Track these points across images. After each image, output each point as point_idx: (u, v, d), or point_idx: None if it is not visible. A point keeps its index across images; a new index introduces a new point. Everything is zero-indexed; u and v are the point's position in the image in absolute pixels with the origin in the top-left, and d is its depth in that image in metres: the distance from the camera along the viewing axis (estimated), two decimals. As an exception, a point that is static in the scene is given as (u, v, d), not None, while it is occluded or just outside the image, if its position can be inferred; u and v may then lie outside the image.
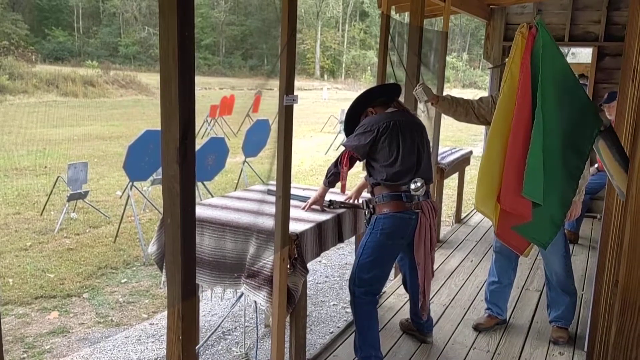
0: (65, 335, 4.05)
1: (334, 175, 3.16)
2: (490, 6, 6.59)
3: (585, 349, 3.29)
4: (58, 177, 7.10)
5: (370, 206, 3.09)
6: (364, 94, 3.23)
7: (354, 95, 3.34)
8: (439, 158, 5.44)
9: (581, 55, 9.96)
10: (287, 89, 2.48)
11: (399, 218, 2.98)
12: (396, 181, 2.97)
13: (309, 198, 3.39)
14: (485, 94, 5.94)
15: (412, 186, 2.97)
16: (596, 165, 5.33)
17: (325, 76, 45.38)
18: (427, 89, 3.70)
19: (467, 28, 45.31)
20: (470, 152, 6.46)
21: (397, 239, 3.02)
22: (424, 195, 3.03)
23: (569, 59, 10.44)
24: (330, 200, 3.38)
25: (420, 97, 3.63)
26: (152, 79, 25.67)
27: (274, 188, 2.63)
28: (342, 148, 3.11)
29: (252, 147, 8.31)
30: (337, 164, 3.13)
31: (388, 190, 2.99)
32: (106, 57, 36.17)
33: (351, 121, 3.23)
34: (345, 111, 3.30)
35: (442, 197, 5.84)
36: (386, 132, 2.95)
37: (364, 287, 3.03)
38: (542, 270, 3.69)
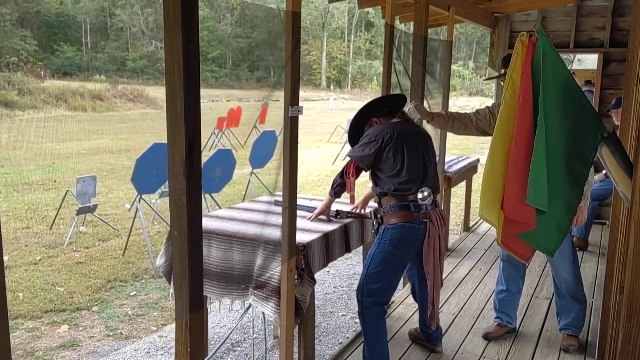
0: (75, 349, 4.06)
1: (340, 186, 3.16)
2: (495, 14, 6.61)
3: (596, 357, 3.27)
4: (67, 191, 7.15)
5: (378, 216, 3.09)
6: (369, 104, 3.24)
7: (360, 105, 3.35)
8: (446, 167, 5.43)
9: (587, 62, 9.95)
10: (292, 100, 2.49)
11: (407, 228, 2.98)
12: (403, 191, 2.96)
13: (316, 208, 3.40)
14: (491, 101, 5.94)
15: (420, 195, 2.97)
16: (604, 171, 5.31)
17: (332, 86, 45.48)
18: (420, 107, 3.72)
19: (473, 36, 45.34)
20: (477, 160, 6.46)
21: (405, 249, 3.01)
22: (431, 204, 3.02)
23: (575, 66, 10.43)
24: (337, 211, 3.38)
25: (413, 116, 3.61)
26: (159, 93, 25.80)
27: (280, 199, 2.64)
28: (349, 158, 3.12)
29: (259, 158, 8.33)
30: (342, 174, 3.13)
31: (395, 200, 2.99)
32: (114, 71, 36.44)
33: (355, 131, 3.24)
34: (349, 121, 3.32)
35: (450, 205, 5.83)
36: (391, 142, 2.95)
37: (372, 298, 3.03)
38: (551, 278, 3.67)
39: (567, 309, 3.52)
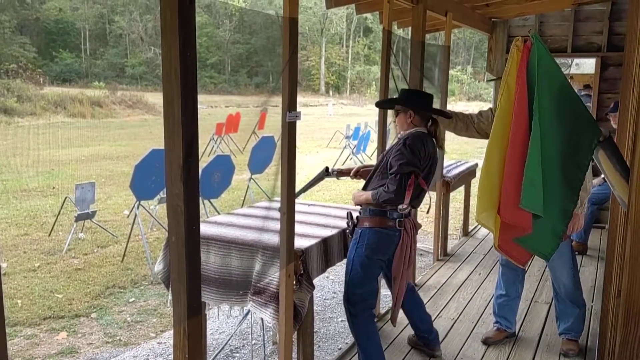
0: (74, 356, 4.05)
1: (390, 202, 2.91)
2: (492, 19, 6.63)
3: (596, 361, 3.26)
4: (66, 197, 7.14)
5: (354, 217, 3.08)
6: (419, 96, 3.19)
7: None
8: (444, 171, 5.44)
9: (585, 66, 9.96)
10: (290, 106, 2.50)
11: (384, 234, 2.99)
12: (392, 204, 2.95)
13: (314, 214, 3.40)
14: (490, 106, 5.96)
15: (400, 206, 2.96)
16: (602, 175, 5.31)
17: (331, 92, 45.55)
18: None
19: (471, 41, 45.45)
20: (476, 165, 6.45)
21: (381, 254, 3.03)
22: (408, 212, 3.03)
23: (573, 70, 10.44)
24: (326, 168, 3.39)
25: None
26: (158, 99, 25.70)
27: (279, 204, 2.64)
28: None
29: (258, 163, 8.33)
30: (399, 194, 2.85)
31: (376, 205, 2.98)
32: (113, 77, 36.47)
33: (388, 102, 3.33)
34: (401, 92, 3.32)
35: (449, 210, 5.83)
36: (423, 164, 2.94)
37: (360, 303, 3.03)
38: (550, 282, 3.67)
39: (566, 313, 3.51)
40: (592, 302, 4.33)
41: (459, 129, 3.70)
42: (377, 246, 2.98)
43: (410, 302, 3.33)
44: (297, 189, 2.75)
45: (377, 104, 3.45)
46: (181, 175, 1.91)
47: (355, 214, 3.11)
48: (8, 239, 6.85)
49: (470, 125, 3.65)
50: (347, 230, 3.16)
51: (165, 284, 3.22)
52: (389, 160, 2.96)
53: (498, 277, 3.70)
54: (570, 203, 2.10)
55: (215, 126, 14.40)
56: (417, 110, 3.06)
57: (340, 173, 3.42)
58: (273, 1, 43.32)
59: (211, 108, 27.48)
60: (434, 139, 3.08)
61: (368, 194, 2.98)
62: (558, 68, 2.08)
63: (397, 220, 2.97)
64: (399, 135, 3.13)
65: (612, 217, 2.77)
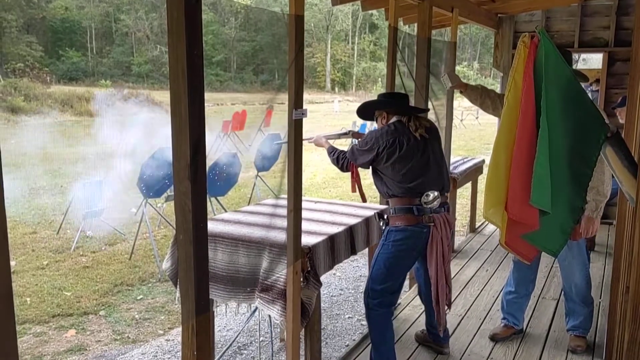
0: (83, 353, 4.07)
1: (338, 161, 3.33)
2: (499, 15, 6.60)
3: (604, 357, 3.25)
4: (74, 195, 7.17)
5: (385, 217, 3.11)
6: (398, 96, 3.27)
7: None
8: (451, 168, 5.43)
9: (592, 61, 9.91)
10: (296, 103, 2.50)
11: (410, 231, 2.99)
12: (406, 196, 2.97)
13: (316, 211, 3.41)
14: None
15: (425, 199, 2.97)
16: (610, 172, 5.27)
17: (336, 89, 45.54)
18: (453, 74, 3.72)
19: (477, 37, 45.31)
20: (483, 161, 6.44)
21: (408, 251, 3.03)
22: (440, 207, 3.02)
23: (580, 65, 10.38)
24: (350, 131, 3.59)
25: (446, 83, 3.66)
26: (165, 97, 25.78)
27: (285, 202, 2.65)
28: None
29: (264, 161, 8.35)
30: (343, 166, 3.30)
31: (401, 203, 3.00)
32: (119, 76, 36.62)
33: (366, 109, 3.28)
34: (365, 101, 3.34)
35: (456, 206, 5.83)
36: (388, 150, 2.95)
37: (378, 299, 3.05)
38: (558, 278, 3.65)
39: (576, 311, 3.50)
40: (600, 298, 4.32)
41: (485, 106, 3.69)
42: (402, 243, 2.99)
43: (429, 297, 3.32)
44: (302, 189, 2.76)
45: (359, 114, 3.40)
46: (189, 174, 1.92)
47: (383, 213, 3.16)
48: (17, 237, 6.89)
49: (498, 105, 3.60)
50: (382, 231, 3.20)
51: (173, 282, 3.23)
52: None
53: (509, 273, 3.69)
54: (578, 199, 2.10)
55: (221, 124, 14.42)
56: (389, 111, 3.13)
57: (356, 134, 3.57)
58: (278, -2, 43.31)
59: (217, 106, 27.52)
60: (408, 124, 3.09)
61: (328, 146, 3.44)
62: (565, 64, 2.07)
63: (424, 217, 2.98)
64: None
65: (620, 213, 2.77)
